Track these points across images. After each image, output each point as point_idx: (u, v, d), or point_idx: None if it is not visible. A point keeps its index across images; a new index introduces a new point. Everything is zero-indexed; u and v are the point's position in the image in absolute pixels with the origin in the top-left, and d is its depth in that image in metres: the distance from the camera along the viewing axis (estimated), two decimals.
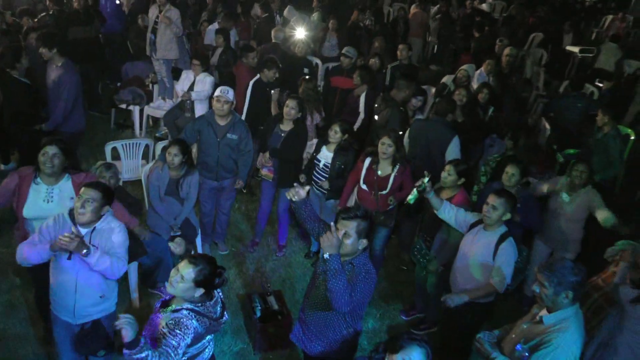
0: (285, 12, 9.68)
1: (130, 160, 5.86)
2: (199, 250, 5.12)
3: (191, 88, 6.49)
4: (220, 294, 2.92)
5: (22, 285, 4.60)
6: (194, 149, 5.11)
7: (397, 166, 4.57)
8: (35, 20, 7.01)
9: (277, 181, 5.19)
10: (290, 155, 5.05)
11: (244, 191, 6.32)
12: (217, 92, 4.81)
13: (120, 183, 4.94)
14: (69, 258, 3.14)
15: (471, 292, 3.58)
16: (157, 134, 7.39)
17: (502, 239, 3.59)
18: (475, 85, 6.84)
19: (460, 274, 3.79)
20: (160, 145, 5.72)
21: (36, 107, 5.18)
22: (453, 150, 4.90)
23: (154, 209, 4.66)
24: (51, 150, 3.50)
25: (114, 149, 5.79)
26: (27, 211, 3.53)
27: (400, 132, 5.20)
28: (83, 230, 3.15)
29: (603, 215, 4.31)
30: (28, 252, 3.09)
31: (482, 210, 3.68)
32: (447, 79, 7.15)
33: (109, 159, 5.67)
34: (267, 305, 4.43)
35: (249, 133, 4.98)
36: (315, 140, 5.53)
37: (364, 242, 2.92)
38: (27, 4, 7.98)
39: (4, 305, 4.46)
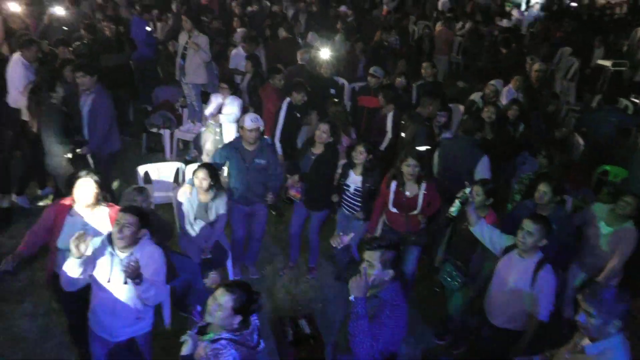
0: (308, 38, 9.81)
1: (162, 184, 5.95)
2: (230, 273, 5.13)
3: (220, 111, 6.58)
4: (257, 321, 2.91)
5: (58, 309, 4.66)
6: (224, 173, 5.15)
7: (424, 184, 4.52)
8: (71, 49, 7.24)
9: (308, 204, 5.18)
10: (320, 178, 5.05)
11: (273, 213, 6.33)
12: (247, 123, 4.80)
13: (152, 206, 5.01)
14: (109, 281, 3.23)
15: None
16: (187, 157, 7.49)
17: (539, 266, 3.48)
18: (504, 101, 6.76)
19: (496, 301, 3.67)
20: (190, 168, 5.80)
21: (71, 134, 5.33)
22: (482, 170, 4.83)
23: (185, 232, 4.71)
24: (86, 182, 3.58)
25: (146, 173, 5.89)
26: (62, 242, 3.60)
27: (427, 148, 5.16)
28: (121, 254, 3.23)
29: None
30: (65, 276, 3.18)
31: (517, 236, 3.57)
32: (475, 96, 7.09)
33: (140, 182, 5.77)
34: (299, 329, 4.39)
35: (277, 156, 5.01)
36: (344, 162, 5.53)
37: (390, 273, 2.85)
38: (63, 33, 8.26)
39: (41, 329, 4.53)
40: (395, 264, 2.87)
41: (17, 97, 6.15)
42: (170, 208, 5.58)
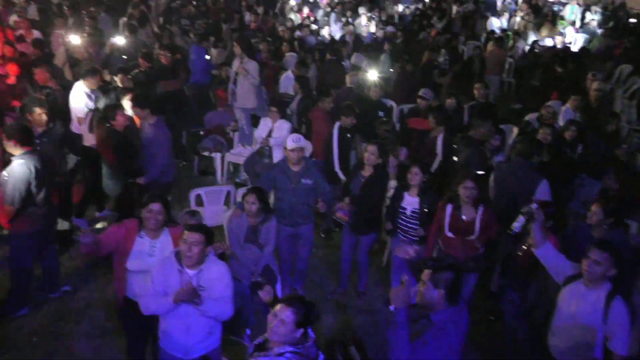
0: (353, 59, 9.86)
1: (213, 207, 6.05)
2: (279, 296, 5.12)
3: (269, 134, 6.68)
4: (313, 334, 2.93)
5: (113, 330, 4.78)
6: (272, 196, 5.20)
7: (481, 207, 4.39)
8: (129, 77, 7.58)
9: (356, 227, 5.13)
10: (369, 201, 5.00)
11: (323, 235, 6.32)
12: (289, 143, 4.88)
13: None
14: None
15: None
16: (237, 180, 7.63)
17: (610, 299, 3.25)
18: (561, 122, 6.52)
19: (562, 335, 3.44)
20: (240, 191, 5.89)
21: (132, 160, 5.55)
22: (542, 195, 4.63)
23: (235, 256, 4.75)
24: (156, 207, 3.68)
25: (198, 196, 6.01)
26: (132, 264, 3.71)
27: (481, 172, 5.02)
28: (190, 272, 3.33)
29: None
30: (152, 305, 3.35)
31: (582, 264, 3.34)
32: (530, 117, 6.87)
33: (193, 205, 5.90)
34: (348, 355, 4.29)
35: (323, 175, 5.01)
36: (393, 183, 5.47)
37: (441, 293, 2.79)
38: (122, 62, 8.68)
39: (96, 349, 4.63)
40: (452, 288, 2.80)
41: (79, 124, 6.46)
42: (221, 231, 5.65)
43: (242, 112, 8.11)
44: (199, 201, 6.05)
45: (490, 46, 11.10)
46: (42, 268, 5.08)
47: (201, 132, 8.34)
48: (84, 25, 10.37)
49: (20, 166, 4.51)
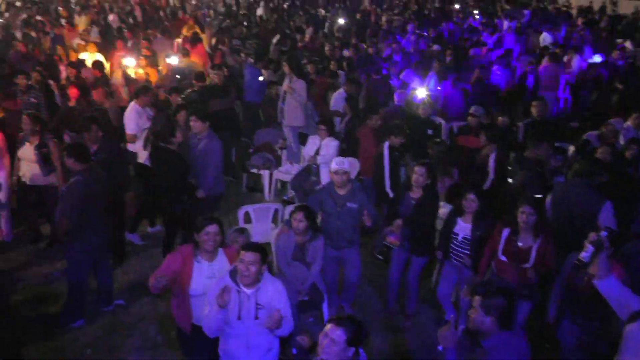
0: (401, 77, 9.79)
1: (261, 224, 6.10)
2: (325, 315, 5.06)
3: (317, 152, 6.69)
4: (364, 354, 2.89)
5: (164, 344, 4.84)
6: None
7: (540, 236, 4.19)
8: (183, 96, 7.82)
9: (409, 249, 5.04)
10: (422, 223, 4.91)
11: (381, 258, 6.17)
12: (333, 166, 4.89)
13: None
14: (239, 317, 3.37)
15: None
16: (284, 197, 7.67)
17: None
18: (622, 141, 6.22)
19: None
20: (288, 209, 5.90)
21: (188, 177, 5.68)
22: (606, 218, 4.39)
23: (282, 274, 4.74)
24: (213, 229, 3.71)
25: (246, 213, 6.08)
26: (194, 289, 3.74)
27: (540, 197, 4.82)
28: (248, 291, 3.36)
29: None
30: (213, 325, 3.39)
31: None
32: (590, 135, 6.58)
33: (241, 222, 5.96)
34: None
35: (369, 198, 4.95)
36: (444, 205, 5.35)
37: (492, 321, 2.67)
38: (176, 81, 8.98)
39: None
40: (504, 314, 2.69)
41: (132, 141, 6.69)
42: (268, 248, 5.67)
43: (290, 130, 8.19)
44: (247, 218, 6.11)
45: (544, 61, 10.78)
46: (97, 281, 5.24)
47: (250, 150, 8.47)
48: (141, 47, 10.83)
49: (78, 182, 4.70)
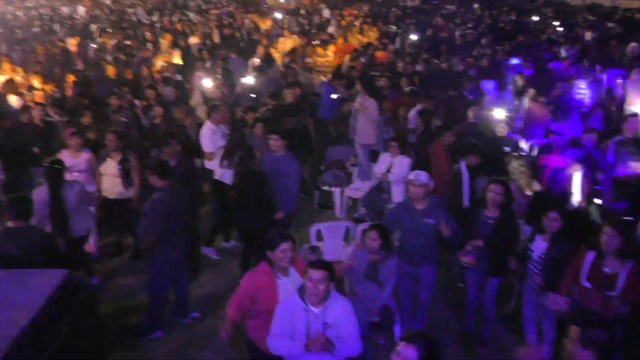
0: (478, 91, 9.52)
1: (333, 242, 6.09)
2: (396, 337, 4.95)
3: (389, 170, 6.62)
4: None
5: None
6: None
7: (630, 263, 3.88)
8: (257, 114, 8.03)
9: (488, 270, 4.86)
10: (502, 245, 4.72)
11: (460, 285, 5.96)
12: (410, 176, 4.84)
13: None
14: (307, 337, 3.36)
15: None
16: (355, 215, 7.63)
17: None
18: None
19: None
20: (360, 227, 5.86)
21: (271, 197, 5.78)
22: None
23: (354, 293, 4.70)
24: (287, 246, 3.73)
25: (318, 231, 6.10)
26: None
27: (631, 219, 4.48)
28: (315, 310, 3.35)
29: None
30: (282, 349, 3.40)
31: None
32: None
33: (313, 240, 5.99)
34: None
35: (449, 215, 4.80)
36: (523, 225, 5.10)
37: (592, 356, 2.50)
38: (251, 100, 9.26)
39: None
40: (606, 349, 2.54)
41: (209, 158, 6.92)
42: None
43: (361, 147, 8.17)
44: (319, 235, 6.13)
45: (634, 74, 10.09)
46: (175, 293, 5.42)
47: (322, 167, 8.53)
48: (218, 67, 11.28)
49: (160, 198, 4.92)
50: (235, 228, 6.41)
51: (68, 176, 5.68)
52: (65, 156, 6.03)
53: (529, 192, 5.59)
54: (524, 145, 8.05)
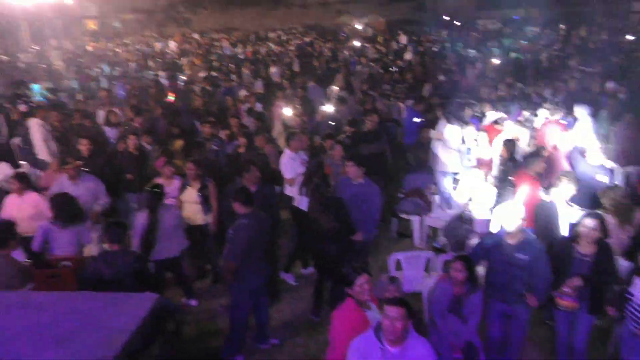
0: (568, 117, 9.01)
1: (412, 272, 5.94)
2: None
3: (471, 199, 6.41)
4: None
5: None
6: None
7: None
8: (336, 141, 8.09)
9: (588, 307, 4.53)
10: (602, 285, 4.39)
11: (549, 323, 5.60)
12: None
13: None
14: None
15: None
16: (435, 245, 7.41)
17: None
18: None
19: None
20: (440, 258, 5.68)
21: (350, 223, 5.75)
22: None
23: (435, 325, 4.53)
24: (364, 279, 3.75)
25: (397, 261, 5.98)
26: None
27: None
28: (393, 350, 3.23)
29: None
30: None
31: None
32: None
33: (392, 270, 5.87)
34: None
35: (543, 253, 4.51)
36: (622, 261, 4.71)
37: None
38: (330, 128, 9.37)
39: None
40: None
41: (291, 184, 7.04)
42: (418, 298, 5.48)
43: (442, 174, 7.99)
44: (398, 265, 6.00)
45: None
46: (255, 318, 5.48)
47: (400, 195, 8.40)
48: (297, 96, 11.56)
49: (243, 225, 5.05)
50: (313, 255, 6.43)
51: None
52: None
53: (629, 226, 5.15)
54: (620, 174, 7.53)
